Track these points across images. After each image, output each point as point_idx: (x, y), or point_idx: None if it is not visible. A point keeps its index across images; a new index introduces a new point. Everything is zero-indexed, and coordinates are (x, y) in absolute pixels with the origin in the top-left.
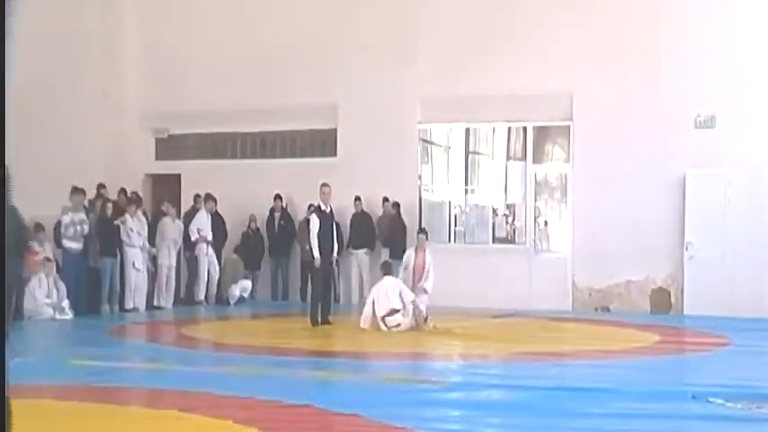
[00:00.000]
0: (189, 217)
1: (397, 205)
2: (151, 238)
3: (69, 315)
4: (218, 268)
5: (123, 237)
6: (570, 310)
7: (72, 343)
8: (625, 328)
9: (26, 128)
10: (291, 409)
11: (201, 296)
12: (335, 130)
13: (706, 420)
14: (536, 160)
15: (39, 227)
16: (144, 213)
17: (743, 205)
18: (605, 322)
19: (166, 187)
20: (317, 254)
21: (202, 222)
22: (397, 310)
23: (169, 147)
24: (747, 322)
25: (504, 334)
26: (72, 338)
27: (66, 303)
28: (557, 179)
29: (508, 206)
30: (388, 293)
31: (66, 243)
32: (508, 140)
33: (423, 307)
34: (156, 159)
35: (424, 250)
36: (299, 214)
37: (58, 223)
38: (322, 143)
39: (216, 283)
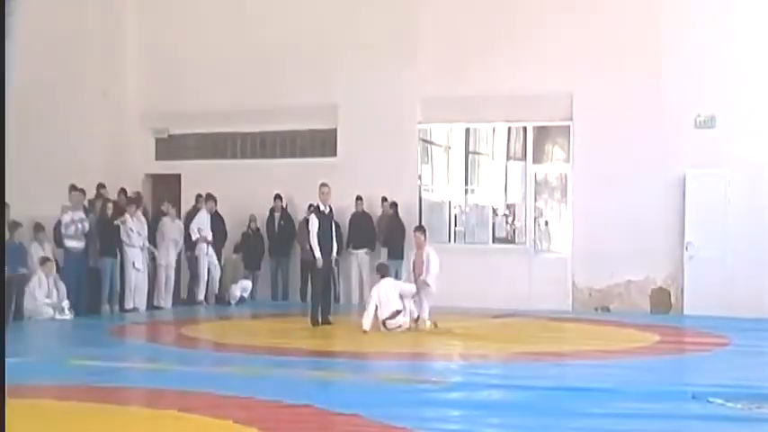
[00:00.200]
0: (190, 217)
1: (394, 205)
2: (151, 239)
3: (69, 315)
4: (218, 268)
5: (123, 237)
6: (570, 310)
7: (72, 343)
8: (625, 328)
9: (26, 128)
10: (291, 409)
11: (201, 296)
12: (335, 130)
13: (706, 420)
14: (536, 160)
15: (39, 227)
16: (145, 213)
17: (743, 205)
18: (605, 322)
19: (166, 187)
20: (318, 254)
21: (203, 222)
22: (399, 312)
23: (169, 147)
24: (747, 322)
25: (504, 334)
26: (72, 338)
27: (66, 303)
28: (557, 179)
29: (508, 206)
30: (388, 296)
31: (68, 242)
32: (508, 140)
33: (426, 304)
34: (156, 159)
35: (422, 247)
36: (299, 214)
37: (59, 223)
38: (322, 143)
39: (217, 282)
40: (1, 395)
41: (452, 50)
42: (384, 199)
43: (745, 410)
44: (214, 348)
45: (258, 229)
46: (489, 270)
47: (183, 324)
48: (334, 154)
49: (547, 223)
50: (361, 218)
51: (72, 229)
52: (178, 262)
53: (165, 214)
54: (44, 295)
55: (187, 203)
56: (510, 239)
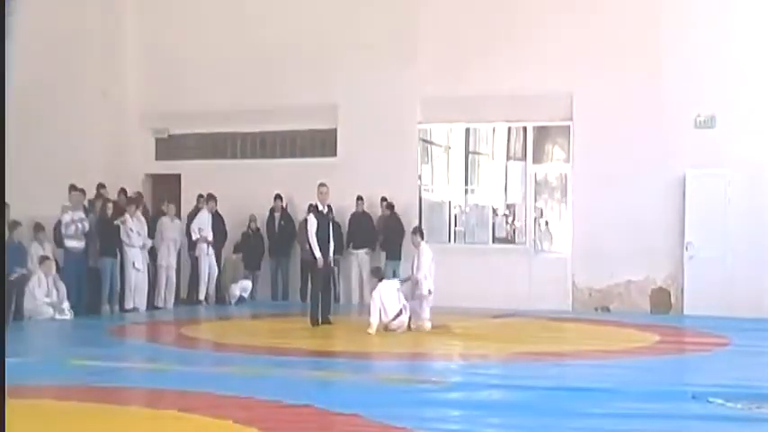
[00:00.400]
0: (192, 217)
1: (391, 206)
2: (151, 238)
3: (69, 315)
4: (216, 268)
5: (123, 237)
6: (570, 310)
7: (72, 343)
8: (625, 328)
9: (26, 128)
10: (291, 409)
11: (202, 296)
12: (335, 130)
13: (706, 420)
14: (536, 160)
15: (39, 227)
16: (145, 213)
17: (743, 205)
18: (605, 322)
19: (166, 187)
20: (318, 254)
21: (204, 222)
22: (401, 312)
23: (169, 147)
24: (747, 322)
25: (504, 334)
26: (72, 338)
27: (66, 304)
28: (557, 179)
29: (508, 206)
30: (390, 297)
31: (69, 242)
32: (508, 140)
33: (426, 305)
34: (156, 159)
35: (418, 249)
36: (299, 214)
37: (59, 223)
38: (322, 143)
39: (214, 283)
40: (1, 395)
41: (452, 50)
42: (383, 199)
43: (745, 410)
44: (214, 348)
45: (258, 229)
46: (489, 270)
47: (183, 324)
48: (335, 154)
49: (547, 223)
50: (361, 218)
51: (72, 228)
52: (178, 262)
53: (164, 214)
54: (44, 295)
55: (187, 203)
56: (510, 239)
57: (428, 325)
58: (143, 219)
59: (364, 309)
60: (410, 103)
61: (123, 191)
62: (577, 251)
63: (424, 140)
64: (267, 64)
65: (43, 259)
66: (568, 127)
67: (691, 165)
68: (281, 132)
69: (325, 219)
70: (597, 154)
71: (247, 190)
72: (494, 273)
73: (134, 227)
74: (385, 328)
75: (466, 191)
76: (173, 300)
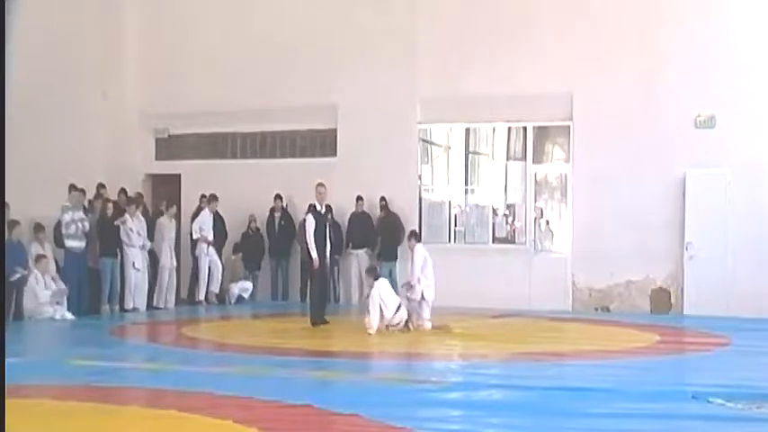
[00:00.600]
0: (194, 217)
1: (386, 207)
2: (151, 239)
3: (69, 315)
4: (220, 268)
5: (123, 237)
6: (570, 310)
7: (72, 343)
8: (625, 328)
9: (26, 128)
10: (291, 409)
11: (202, 296)
12: (335, 130)
13: (706, 420)
14: (536, 160)
15: (39, 227)
16: (145, 213)
17: (743, 205)
18: (605, 322)
19: (166, 187)
20: (314, 254)
21: (205, 222)
22: (399, 307)
23: (169, 147)
24: (747, 322)
25: (504, 334)
26: (72, 338)
27: (65, 304)
28: (557, 179)
29: (508, 206)
30: (389, 294)
31: (69, 242)
32: (508, 140)
33: (426, 305)
34: (156, 159)
35: (413, 253)
36: (299, 214)
37: (59, 223)
38: (322, 143)
39: (218, 282)
40: (1, 395)
41: (452, 50)
42: (382, 199)
43: (745, 410)
44: (214, 348)
45: (258, 229)
46: (489, 270)
47: (183, 324)
48: (334, 154)
49: (547, 223)
50: (360, 218)
51: (72, 228)
52: (179, 262)
53: (162, 214)
54: (45, 292)
55: (187, 203)
56: (510, 239)
57: (428, 325)
58: (143, 219)
59: (364, 309)
60: (410, 103)
61: (123, 191)
62: (577, 251)
63: (424, 140)
64: (267, 64)
65: (39, 257)
66: (568, 127)
67: (691, 165)
68: (281, 132)
69: (322, 219)
70: (597, 154)
71: (247, 190)
72: (494, 273)
73: (134, 227)
74: (386, 327)
75: (466, 191)
76: (173, 300)
